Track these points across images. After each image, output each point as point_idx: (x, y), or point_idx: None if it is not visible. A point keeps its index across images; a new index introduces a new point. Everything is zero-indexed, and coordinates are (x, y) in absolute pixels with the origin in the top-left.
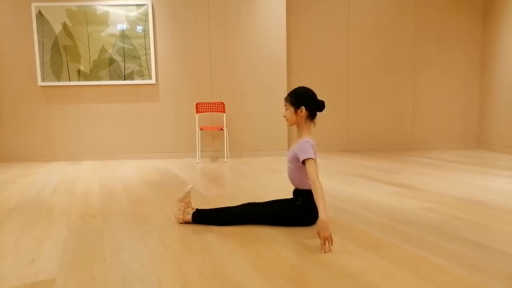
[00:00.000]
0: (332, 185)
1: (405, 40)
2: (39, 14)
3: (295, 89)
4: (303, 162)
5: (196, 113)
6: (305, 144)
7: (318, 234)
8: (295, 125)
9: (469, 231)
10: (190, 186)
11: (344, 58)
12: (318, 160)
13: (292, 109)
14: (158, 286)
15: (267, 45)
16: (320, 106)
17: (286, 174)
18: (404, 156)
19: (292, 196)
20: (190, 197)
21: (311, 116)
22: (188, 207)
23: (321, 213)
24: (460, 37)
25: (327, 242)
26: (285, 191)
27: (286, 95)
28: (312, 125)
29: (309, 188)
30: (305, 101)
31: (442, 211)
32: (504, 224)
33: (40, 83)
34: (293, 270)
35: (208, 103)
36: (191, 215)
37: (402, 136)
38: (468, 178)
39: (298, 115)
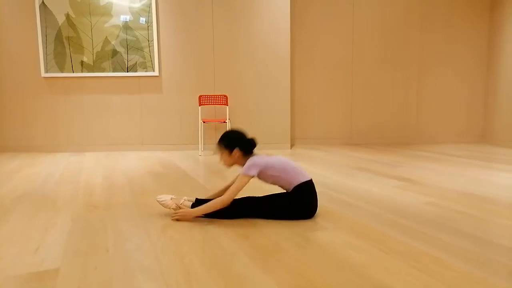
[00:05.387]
0: (335, 179)
1: (411, 34)
2: (43, 5)
3: (225, 133)
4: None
5: (199, 105)
6: (247, 163)
7: (178, 213)
8: (235, 165)
9: (471, 225)
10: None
11: (348, 51)
12: (319, 154)
13: (226, 152)
14: (161, 276)
15: (271, 38)
16: (252, 144)
17: None
18: (407, 150)
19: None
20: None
21: (246, 154)
22: (179, 201)
23: (199, 208)
24: (467, 31)
25: (178, 216)
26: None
27: (218, 141)
28: (248, 158)
29: (301, 181)
30: (237, 143)
31: (445, 205)
32: (507, 219)
33: (43, 74)
34: (295, 263)
35: (211, 95)
36: (190, 206)
37: (406, 130)
38: (471, 173)
39: (233, 156)
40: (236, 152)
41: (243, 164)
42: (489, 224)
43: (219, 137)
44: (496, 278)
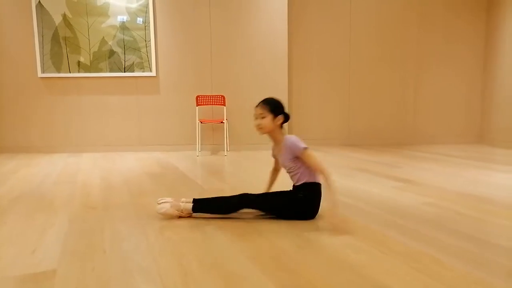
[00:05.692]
0: (334, 179)
1: (408, 34)
2: (39, 5)
3: (269, 98)
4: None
5: (197, 105)
6: (292, 140)
7: (335, 219)
8: (268, 134)
9: (469, 226)
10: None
11: (345, 52)
12: (318, 154)
13: (271, 116)
14: (158, 277)
15: (268, 38)
16: (288, 116)
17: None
18: (405, 151)
19: (292, 189)
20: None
21: (282, 125)
22: (179, 207)
23: (334, 198)
24: (464, 31)
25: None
26: (285, 185)
27: (259, 104)
28: (282, 131)
29: (312, 181)
30: (282, 110)
31: (443, 205)
32: (505, 219)
33: (40, 74)
34: (293, 263)
35: (208, 96)
36: (191, 207)
37: (404, 130)
38: (469, 173)
39: (275, 123)
40: (280, 119)
41: (275, 135)
42: (488, 225)
43: (262, 100)
44: (494, 278)
